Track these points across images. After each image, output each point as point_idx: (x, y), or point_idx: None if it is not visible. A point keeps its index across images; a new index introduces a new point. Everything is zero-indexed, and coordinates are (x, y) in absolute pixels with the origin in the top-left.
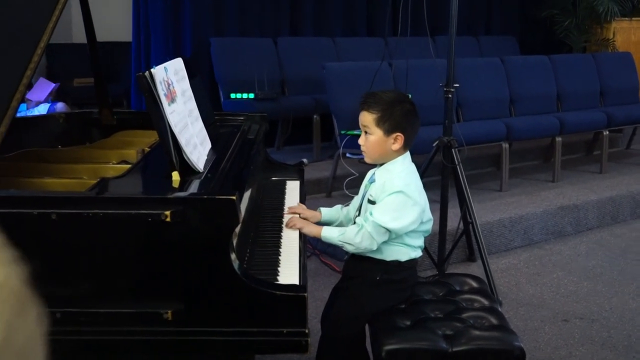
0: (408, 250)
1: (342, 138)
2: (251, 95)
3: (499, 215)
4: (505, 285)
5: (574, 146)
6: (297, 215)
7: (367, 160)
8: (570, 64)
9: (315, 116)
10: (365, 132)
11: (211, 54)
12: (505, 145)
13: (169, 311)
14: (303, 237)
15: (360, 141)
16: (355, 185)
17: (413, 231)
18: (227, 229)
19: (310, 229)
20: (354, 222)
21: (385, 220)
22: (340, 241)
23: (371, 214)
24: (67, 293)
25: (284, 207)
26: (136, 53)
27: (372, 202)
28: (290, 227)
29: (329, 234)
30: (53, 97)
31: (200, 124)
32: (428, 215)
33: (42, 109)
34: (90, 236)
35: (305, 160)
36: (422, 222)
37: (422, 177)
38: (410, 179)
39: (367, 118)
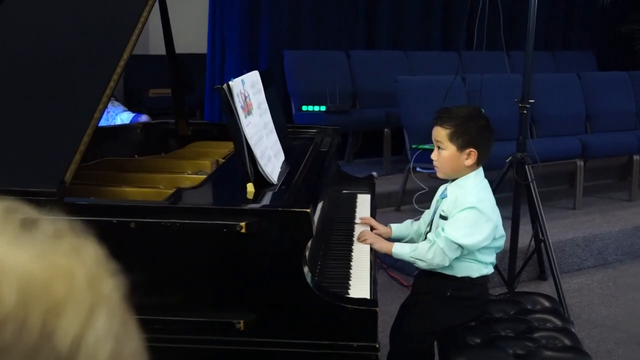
0: (480, 267)
1: (413, 152)
2: (323, 108)
3: (572, 234)
4: (578, 305)
5: None
6: (369, 229)
7: (440, 175)
8: None
9: (386, 130)
10: (439, 147)
11: (284, 66)
12: (580, 163)
13: (242, 321)
14: (373, 251)
15: (433, 156)
16: (425, 200)
17: (485, 247)
18: (300, 242)
19: (381, 245)
20: (425, 238)
21: (458, 236)
22: (412, 257)
23: (443, 229)
24: (142, 301)
25: (355, 221)
26: (211, 64)
27: (444, 218)
28: (362, 242)
29: (401, 250)
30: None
31: (274, 137)
32: (501, 231)
33: (126, 118)
34: (167, 245)
35: (375, 173)
36: (494, 239)
37: (494, 193)
38: (483, 194)
39: (440, 133)
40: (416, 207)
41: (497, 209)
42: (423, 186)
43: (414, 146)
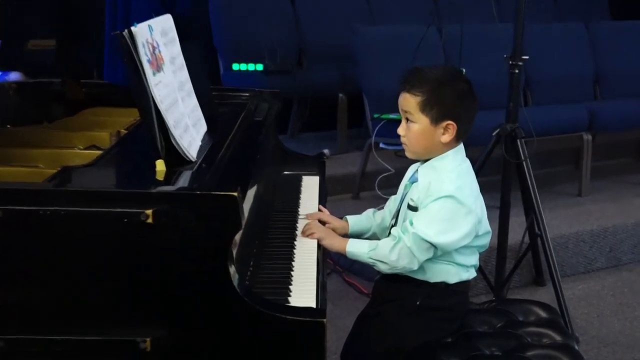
0: (458, 270)
1: (375, 124)
2: (259, 67)
3: (576, 227)
4: (584, 317)
5: None
6: (316, 221)
7: (409, 154)
8: None
9: (340, 95)
10: (407, 120)
11: (209, 11)
12: (587, 137)
13: (148, 340)
14: (322, 249)
15: (400, 131)
16: (390, 185)
17: (466, 247)
18: (225, 235)
19: (332, 242)
20: (389, 233)
21: (430, 233)
22: (370, 258)
23: (412, 223)
24: (14, 315)
25: (299, 210)
26: (111, 7)
27: (413, 209)
28: (308, 236)
29: (357, 249)
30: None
31: (193, 101)
32: (485, 227)
33: None
34: (47, 241)
35: (326, 151)
36: (477, 236)
37: (477, 176)
38: (463, 180)
39: (409, 102)
40: (379, 193)
41: (481, 198)
42: (388, 167)
43: (376, 116)
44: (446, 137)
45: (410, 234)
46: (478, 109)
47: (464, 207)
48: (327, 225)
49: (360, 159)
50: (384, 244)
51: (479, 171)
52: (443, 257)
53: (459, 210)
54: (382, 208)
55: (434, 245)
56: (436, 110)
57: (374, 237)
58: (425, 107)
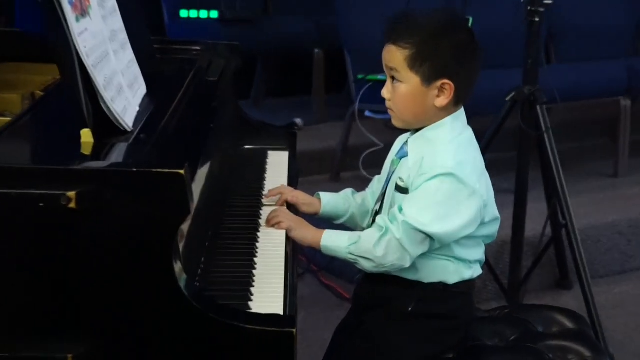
0: (459, 267)
1: (360, 87)
2: (214, 14)
3: (611, 216)
4: (620, 327)
5: None
6: (284, 206)
7: (396, 123)
8: None
9: (316, 51)
10: (393, 79)
11: None
12: (626, 103)
13: (70, 355)
14: (293, 243)
15: (384, 93)
16: (378, 163)
17: (468, 237)
18: (169, 224)
19: (304, 233)
20: (373, 222)
21: (425, 221)
22: (351, 254)
23: (401, 209)
24: None
25: (264, 193)
26: None
27: (402, 191)
28: (274, 226)
29: (334, 242)
30: None
31: (129, 55)
32: (493, 212)
33: None
34: None
35: (299, 120)
36: (482, 224)
37: (485, 152)
38: (464, 153)
39: (395, 56)
40: (364, 174)
41: (486, 176)
42: (375, 141)
43: (360, 77)
44: (442, 100)
45: (399, 223)
46: (480, 64)
47: (466, 188)
48: (295, 203)
49: (341, 130)
50: (368, 236)
51: (488, 147)
52: (440, 251)
53: (459, 192)
54: (366, 191)
55: (429, 236)
56: (428, 66)
57: (352, 222)
58: (414, 63)
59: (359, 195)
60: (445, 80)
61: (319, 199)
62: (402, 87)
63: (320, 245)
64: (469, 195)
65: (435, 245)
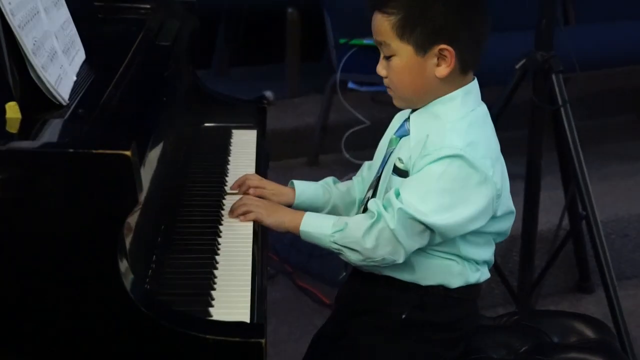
0: (464, 268)
1: (342, 53)
2: None
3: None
4: None
5: None
6: (251, 195)
7: (397, 102)
8: None
9: (290, 10)
10: (385, 57)
11: None
12: None
13: None
14: (262, 238)
15: (380, 70)
16: (364, 144)
17: (477, 233)
18: (114, 215)
19: (280, 217)
20: (364, 209)
21: (425, 209)
22: (335, 243)
23: (398, 194)
24: None
25: (227, 179)
26: None
27: (401, 173)
28: (238, 216)
29: (316, 227)
30: None
31: (64, 15)
32: (507, 204)
33: None
34: None
35: (269, 93)
36: (494, 218)
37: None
38: (477, 132)
39: (382, 26)
40: (347, 157)
41: (502, 162)
42: (361, 118)
43: (342, 41)
44: (442, 70)
45: (394, 210)
46: (487, 22)
47: (477, 173)
48: (259, 193)
49: (319, 105)
50: (357, 223)
51: (494, 124)
52: (443, 248)
53: (469, 177)
54: (351, 178)
55: (429, 228)
56: (420, 31)
57: (335, 213)
58: (404, 30)
59: (343, 184)
60: (443, 46)
61: (293, 187)
62: (396, 60)
63: (300, 231)
64: (479, 182)
65: (435, 239)
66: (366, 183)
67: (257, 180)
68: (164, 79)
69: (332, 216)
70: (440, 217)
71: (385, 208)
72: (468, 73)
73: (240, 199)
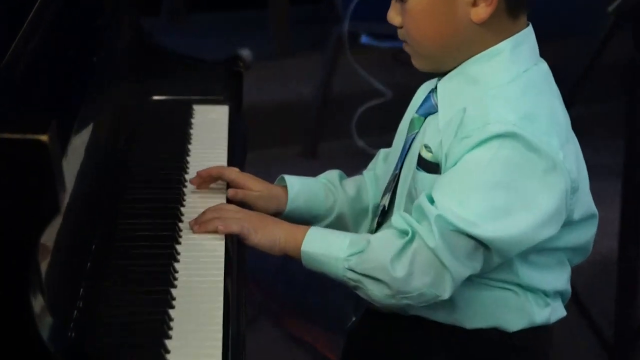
0: (527, 303)
1: None
2: None
3: None
4: None
5: None
6: (223, 199)
7: (418, 62)
8: None
9: None
10: None
11: None
12: None
13: None
14: (236, 260)
15: (392, 16)
16: (384, 127)
17: (544, 249)
18: (24, 228)
19: (272, 233)
20: (378, 227)
21: (472, 216)
22: (352, 271)
23: (431, 199)
24: None
25: (186, 176)
26: None
27: (430, 167)
28: (206, 230)
29: (324, 247)
30: None
31: None
32: (587, 203)
33: None
34: None
35: (246, 52)
36: (569, 224)
37: (570, 105)
38: (537, 101)
39: None
40: (360, 144)
41: (576, 143)
42: (380, 87)
43: None
44: (482, 10)
45: (431, 221)
46: None
47: (541, 157)
48: (239, 199)
49: (319, 69)
50: (383, 241)
51: (573, 95)
52: (494, 272)
53: (529, 164)
54: (362, 174)
55: (482, 243)
56: None
57: (339, 227)
58: None
59: (351, 182)
60: None
61: (284, 186)
62: (413, 1)
63: (301, 252)
64: (545, 169)
65: (493, 260)
66: (381, 182)
67: (236, 175)
68: (95, 30)
69: (346, 233)
70: (495, 226)
71: (418, 220)
72: (519, 16)
73: (213, 206)
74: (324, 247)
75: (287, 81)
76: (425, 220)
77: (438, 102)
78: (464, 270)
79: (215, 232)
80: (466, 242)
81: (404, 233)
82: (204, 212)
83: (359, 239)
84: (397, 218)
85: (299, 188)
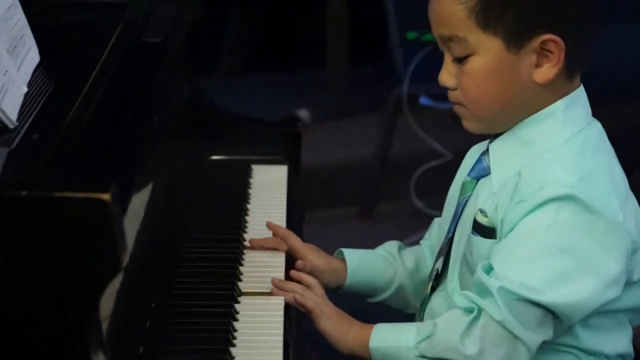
0: None
1: (410, 54)
2: None
3: None
4: None
5: None
6: (282, 267)
7: (471, 125)
8: None
9: None
10: (456, 60)
11: None
12: None
13: None
14: (295, 324)
15: (445, 79)
16: (443, 189)
17: (603, 311)
18: (85, 288)
19: (341, 327)
20: (432, 287)
21: (535, 282)
22: (423, 357)
23: (490, 269)
24: None
25: (245, 235)
26: None
27: (486, 232)
28: (283, 295)
29: (391, 340)
30: None
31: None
32: None
33: None
34: None
35: (304, 112)
36: (630, 284)
37: (632, 171)
38: (594, 162)
39: (450, 12)
40: (419, 206)
41: (635, 202)
42: (439, 148)
43: (411, 36)
44: (546, 71)
45: (494, 294)
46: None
47: (601, 219)
48: (304, 267)
49: (378, 130)
50: (449, 321)
51: (636, 160)
52: (557, 338)
53: (590, 226)
54: (419, 243)
55: (549, 310)
56: (513, 15)
57: (399, 300)
58: (489, 16)
59: (410, 253)
60: (548, 36)
61: (342, 259)
62: (475, 62)
63: (370, 349)
64: (606, 231)
65: (562, 325)
66: (436, 248)
67: (299, 244)
68: (153, 91)
69: (410, 323)
70: (560, 292)
71: (480, 295)
72: (575, 77)
73: (305, 281)
74: (392, 339)
75: (345, 142)
76: (488, 294)
77: (491, 165)
78: (536, 337)
79: (290, 300)
80: (533, 310)
81: (469, 311)
82: (284, 283)
83: (425, 325)
84: (460, 297)
85: (359, 261)
